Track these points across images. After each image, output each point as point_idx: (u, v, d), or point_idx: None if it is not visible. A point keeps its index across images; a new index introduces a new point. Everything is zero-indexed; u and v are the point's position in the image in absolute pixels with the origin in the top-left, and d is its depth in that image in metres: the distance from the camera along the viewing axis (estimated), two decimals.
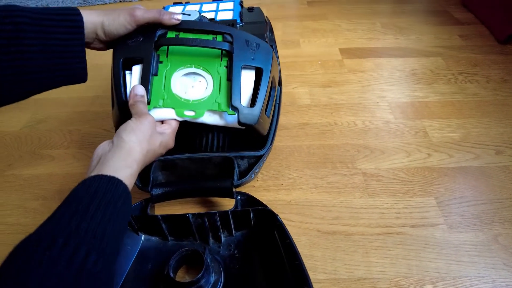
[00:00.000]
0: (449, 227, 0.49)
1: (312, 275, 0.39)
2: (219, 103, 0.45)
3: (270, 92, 0.50)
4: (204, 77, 0.46)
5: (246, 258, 0.45)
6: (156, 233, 0.48)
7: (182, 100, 0.45)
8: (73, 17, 0.39)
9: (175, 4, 0.64)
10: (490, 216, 0.50)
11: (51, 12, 0.38)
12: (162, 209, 0.53)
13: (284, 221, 0.44)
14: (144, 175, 0.49)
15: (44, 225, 0.28)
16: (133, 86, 0.43)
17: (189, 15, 0.49)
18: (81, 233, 0.27)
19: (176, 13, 0.46)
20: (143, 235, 0.48)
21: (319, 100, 0.72)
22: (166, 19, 0.45)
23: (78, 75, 0.41)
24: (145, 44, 0.45)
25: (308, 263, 0.44)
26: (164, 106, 0.45)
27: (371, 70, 0.81)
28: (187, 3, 0.64)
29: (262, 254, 0.44)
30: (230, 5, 0.61)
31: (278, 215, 0.43)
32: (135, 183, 0.48)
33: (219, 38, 0.47)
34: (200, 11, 0.51)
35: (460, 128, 0.65)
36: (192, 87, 0.46)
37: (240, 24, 0.54)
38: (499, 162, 0.57)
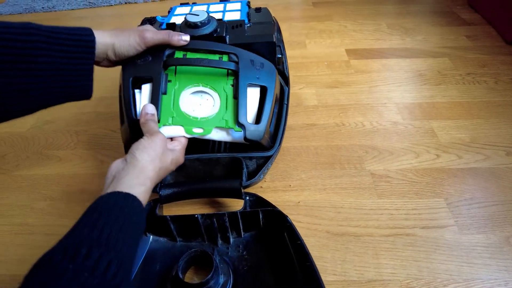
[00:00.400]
0: (460, 228, 0.48)
1: (322, 277, 0.38)
2: (226, 120, 0.46)
3: (274, 108, 0.51)
4: (211, 95, 0.48)
5: (255, 259, 0.44)
6: (164, 234, 0.47)
7: (191, 117, 0.46)
8: (86, 37, 0.41)
9: (182, 4, 0.64)
10: (502, 217, 0.49)
11: (66, 32, 0.39)
12: (170, 210, 0.53)
13: (293, 222, 0.44)
14: None
15: (67, 237, 0.29)
16: (144, 105, 0.45)
17: (197, 15, 0.49)
18: (102, 242, 0.28)
19: (184, 34, 0.48)
20: (151, 236, 0.48)
21: (326, 100, 0.72)
22: (175, 40, 0.47)
23: (84, 92, 0.43)
24: (154, 64, 0.47)
25: (317, 265, 0.43)
26: (173, 123, 0.46)
27: (378, 71, 0.81)
28: (194, 3, 0.64)
29: (271, 255, 0.44)
30: (237, 5, 0.61)
31: (288, 216, 0.43)
32: None
33: (225, 58, 0.49)
34: (207, 12, 0.51)
35: (469, 129, 0.64)
36: (199, 105, 0.47)
37: (248, 25, 0.54)
38: (509, 163, 0.57)
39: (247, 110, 0.47)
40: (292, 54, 0.89)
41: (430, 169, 0.57)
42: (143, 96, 0.47)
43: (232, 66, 0.47)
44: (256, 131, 0.46)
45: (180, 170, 0.50)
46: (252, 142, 0.47)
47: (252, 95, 0.48)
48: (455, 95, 0.72)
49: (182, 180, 0.50)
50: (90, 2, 1.35)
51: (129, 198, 0.34)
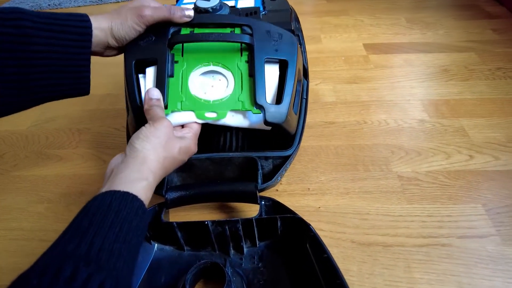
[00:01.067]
0: (503, 239, 0.43)
1: None
2: (242, 101, 0.41)
3: (297, 87, 0.45)
4: (224, 75, 0.42)
5: (272, 272, 0.39)
6: (170, 242, 0.43)
7: (202, 101, 0.41)
8: (81, 23, 0.37)
9: None
10: None
11: (59, 17, 0.36)
12: (177, 215, 0.48)
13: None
14: None
15: (48, 252, 0.24)
16: (148, 90, 0.39)
17: (209, 0, 0.45)
18: (92, 258, 0.23)
19: (187, 8, 0.42)
20: (156, 244, 0.43)
21: (345, 97, 0.67)
22: (177, 16, 0.42)
23: (82, 84, 0.39)
24: (157, 44, 0.42)
25: None
26: (183, 109, 0.41)
27: (399, 66, 0.76)
28: None
29: (290, 269, 0.39)
30: None
31: (310, 225, 0.38)
32: None
33: (237, 31, 0.43)
34: None
35: (503, 128, 0.58)
36: (211, 86, 0.42)
37: (263, 12, 0.50)
38: None
39: (266, 89, 0.41)
40: (307, 49, 0.83)
41: (463, 171, 0.52)
42: (147, 80, 0.42)
43: (246, 39, 0.41)
44: (278, 112, 0.40)
45: (189, 171, 0.45)
46: (274, 126, 0.41)
47: (271, 72, 0.42)
48: (486, 91, 0.66)
49: (190, 181, 0.45)
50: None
51: (128, 198, 0.29)
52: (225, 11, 0.45)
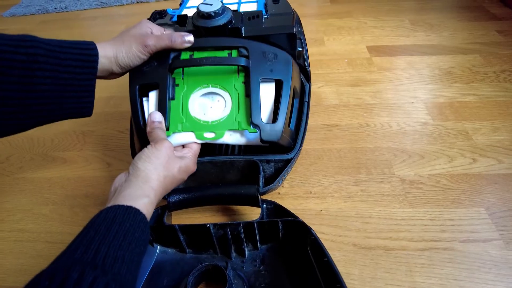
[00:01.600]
0: (507, 243, 0.42)
1: None
2: (239, 121, 0.42)
3: (293, 104, 0.47)
4: (222, 96, 0.44)
5: (273, 275, 0.39)
6: (173, 245, 0.43)
7: (201, 122, 0.43)
8: (88, 51, 0.38)
9: None
10: None
11: (67, 45, 0.37)
12: (179, 217, 0.48)
13: (316, 234, 0.39)
14: None
15: (57, 259, 0.26)
16: (151, 113, 0.42)
17: (211, 4, 0.45)
18: (98, 264, 0.25)
19: (187, 34, 0.44)
20: (158, 247, 0.43)
21: (348, 100, 0.67)
22: (178, 44, 0.44)
23: (85, 109, 0.40)
24: (159, 69, 0.44)
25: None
26: (183, 130, 0.43)
27: (402, 68, 0.75)
28: None
29: (291, 271, 0.39)
30: None
31: (311, 228, 0.38)
32: None
33: (234, 53, 0.45)
34: (222, 1, 0.46)
35: (508, 131, 0.58)
36: (210, 107, 0.44)
37: (266, 16, 0.50)
38: None
39: (262, 108, 0.42)
40: (309, 52, 0.83)
41: (466, 174, 0.51)
42: (150, 103, 0.44)
43: (242, 61, 0.43)
44: (273, 130, 0.42)
45: (191, 174, 0.45)
46: (270, 144, 0.42)
47: (267, 91, 0.44)
48: (490, 94, 0.66)
49: (192, 185, 0.46)
50: (101, 2, 1.34)
51: (131, 212, 0.31)
52: (228, 15, 0.45)
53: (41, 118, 0.37)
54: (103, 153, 0.61)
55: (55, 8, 1.34)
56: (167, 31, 0.46)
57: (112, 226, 0.28)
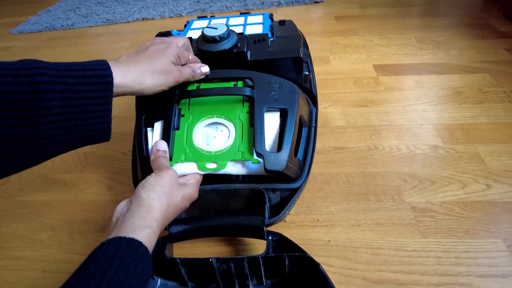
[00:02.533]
0: None
1: None
2: (241, 151, 0.42)
3: (301, 133, 0.46)
4: (226, 126, 0.44)
5: None
6: (174, 278, 0.41)
7: (204, 152, 0.42)
8: (101, 71, 0.33)
9: (199, 18, 0.59)
10: None
11: (76, 67, 0.33)
12: (181, 247, 0.46)
13: (324, 266, 0.37)
14: None
15: None
16: (156, 142, 0.42)
17: (216, 28, 0.44)
18: None
19: (203, 65, 0.45)
20: (159, 280, 0.41)
21: (355, 121, 0.65)
22: (198, 75, 0.44)
23: (102, 135, 0.36)
24: (166, 99, 0.44)
25: None
26: (186, 160, 0.42)
27: (410, 88, 0.74)
28: (213, 17, 0.59)
29: None
30: (259, 18, 0.56)
31: (320, 265, 0.36)
32: None
33: (240, 84, 0.45)
34: (227, 25, 0.46)
35: None
36: (214, 137, 0.44)
37: (272, 39, 0.49)
38: None
39: (267, 137, 0.42)
40: (315, 70, 0.82)
41: (480, 202, 0.49)
42: (155, 133, 0.44)
43: (246, 91, 0.43)
44: (278, 160, 0.40)
45: (194, 202, 0.43)
46: (275, 174, 0.40)
47: (271, 120, 0.43)
48: (502, 115, 0.64)
49: (195, 213, 0.44)
50: (107, 19, 1.35)
51: (133, 244, 0.29)
52: (233, 39, 0.45)
53: (52, 151, 0.33)
54: (104, 176, 0.60)
55: (62, 25, 1.36)
56: (191, 58, 0.44)
57: (113, 261, 0.27)
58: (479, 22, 1.00)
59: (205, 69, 0.44)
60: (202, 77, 0.44)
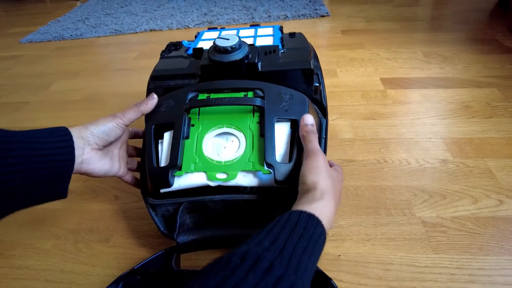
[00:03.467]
0: None
1: None
2: (252, 162, 0.41)
3: None
4: (236, 136, 0.43)
5: None
6: None
7: (214, 162, 0.41)
8: (63, 137, 0.35)
9: (210, 29, 0.60)
10: None
11: (38, 134, 0.34)
12: (188, 256, 0.45)
13: (335, 283, 0.36)
14: (170, 218, 0.42)
15: (242, 245, 0.26)
16: (304, 116, 0.43)
17: (228, 39, 0.45)
18: (285, 260, 0.25)
19: (150, 97, 0.45)
20: None
21: (363, 133, 0.65)
22: (143, 107, 0.44)
23: (60, 194, 0.36)
24: (175, 108, 0.44)
25: None
26: (195, 170, 0.41)
27: (418, 101, 0.74)
28: (223, 28, 0.60)
29: None
30: (269, 30, 0.56)
31: (332, 280, 0.35)
32: (158, 228, 0.42)
33: (250, 94, 0.45)
34: (238, 36, 0.46)
35: None
36: (224, 147, 0.43)
37: (282, 50, 0.49)
38: None
39: (277, 148, 0.41)
40: None
41: (493, 218, 0.48)
42: (164, 144, 0.44)
43: (257, 101, 0.42)
44: (288, 171, 0.40)
45: (202, 212, 0.43)
46: (285, 185, 0.40)
47: (282, 131, 0.43)
48: None
49: (203, 224, 0.43)
50: (116, 30, 1.37)
51: (314, 220, 0.30)
52: (244, 50, 0.45)
53: (11, 207, 0.34)
54: (110, 185, 0.59)
55: (71, 35, 1.38)
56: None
57: (297, 229, 0.28)
58: (485, 37, 1.01)
59: (152, 101, 0.44)
60: (152, 103, 0.44)
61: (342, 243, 0.46)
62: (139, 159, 0.49)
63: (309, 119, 0.42)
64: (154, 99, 0.45)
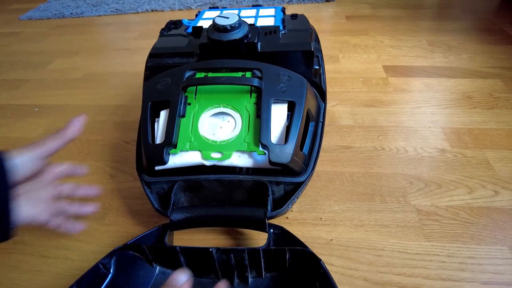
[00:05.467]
0: None
1: None
2: (247, 142, 0.41)
3: (308, 127, 0.45)
4: (232, 116, 0.43)
5: None
6: (172, 266, 0.41)
7: (209, 141, 0.42)
8: None
9: (211, 8, 0.59)
10: None
11: None
12: (181, 236, 0.46)
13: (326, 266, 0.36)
14: (165, 196, 0.43)
15: None
16: (175, 272, 0.32)
17: (227, 18, 0.44)
18: None
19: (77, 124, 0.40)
20: (157, 267, 0.41)
21: (362, 120, 0.64)
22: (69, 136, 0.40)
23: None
24: (172, 86, 0.44)
25: None
26: (191, 149, 0.41)
27: (420, 90, 0.73)
28: (224, 8, 0.58)
29: None
30: (271, 11, 0.55)
31: (321, 260, 0.35)
32: (152, 205, 0.42)
33: (248, 74, 0.45)
34: (239, 15, 0.45)
35: None
36: (220, 127, 0.43)
37: (283, 32, 0.48)
38: None
39: (273, 129, 0.41)
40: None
41: (487, 208, 0.48)
42: (160, 122, 0.43)
43: (254, 81, 0.42)
44: (283, 152, 0.40)
45: (197, 191, 0.43)
46: (280, 166, 0.40)
47: (279, 112, 0.42)
48: None
49: (197, 202, 0.43)
50: (117, 9, 1.35)
51: None
52: (244, 30, 0.44)
53: None
54: (107, 164, 0.59)
55: (71, 13, 1.36)
56: None
57: None
58: (492, 27, 0.99)
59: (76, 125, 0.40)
60: (76, 128, 0.40)
61: (335, 228, 0.46)
62: None
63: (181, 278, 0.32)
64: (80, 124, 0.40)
